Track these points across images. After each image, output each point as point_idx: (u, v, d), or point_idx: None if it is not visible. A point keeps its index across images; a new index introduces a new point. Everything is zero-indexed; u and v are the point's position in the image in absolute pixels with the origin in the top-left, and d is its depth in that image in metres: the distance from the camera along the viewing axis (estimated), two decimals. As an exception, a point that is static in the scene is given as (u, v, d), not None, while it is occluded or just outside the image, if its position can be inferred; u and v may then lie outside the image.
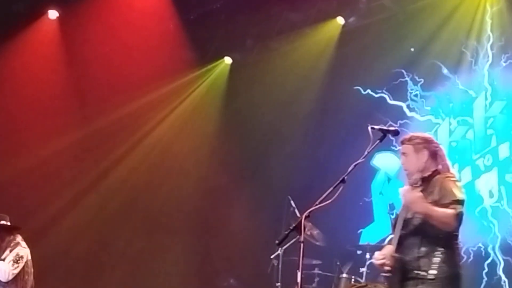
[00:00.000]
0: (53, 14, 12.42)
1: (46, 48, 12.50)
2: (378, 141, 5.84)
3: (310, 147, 12.21)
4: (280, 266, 9.63)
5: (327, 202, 5.83)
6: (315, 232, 10.08)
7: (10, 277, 8.32)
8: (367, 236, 11.82)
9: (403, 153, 6.26)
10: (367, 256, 10.41)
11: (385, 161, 11.97)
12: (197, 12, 12.39)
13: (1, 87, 12.15)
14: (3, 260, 8.39)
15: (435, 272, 5.80)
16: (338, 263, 10.35)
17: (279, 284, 9.72)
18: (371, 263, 10.47)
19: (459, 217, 5.80)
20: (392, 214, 11.68)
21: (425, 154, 6.15)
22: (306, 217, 5.74)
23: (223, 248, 12.48)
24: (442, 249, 5.85)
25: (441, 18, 11.59)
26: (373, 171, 11.98)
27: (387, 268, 5.97)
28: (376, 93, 12.02)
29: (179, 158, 12.85)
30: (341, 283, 9.95)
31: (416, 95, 11.84)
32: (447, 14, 11.58)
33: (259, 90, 12.77)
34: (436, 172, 6.11)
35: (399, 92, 11.89)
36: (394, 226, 6.16)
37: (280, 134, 12.59)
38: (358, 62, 12.06)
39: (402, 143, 6.25)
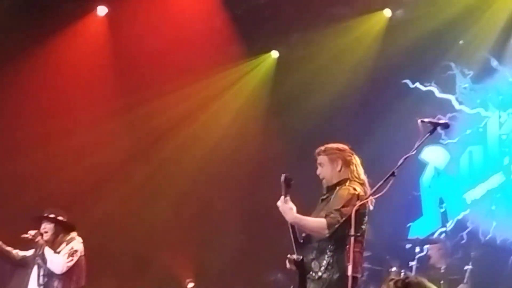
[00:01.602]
0: (102, 10, 12.57)
1: (95, 44, 12.63)
2: (428, 134, 5.81)
3: (358, 141, 12.11)
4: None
5: (377, 195, 5.85)
6: (364, 225, 10.04)
7: (65, 270, 8.44)
8: (416, 230, 11.78)
9: (319, 164, 6.60)
10: (417, 250, 10.38)
11: (434, 155, 11.91)
12: (244, 7, 12.43)
13: (50, 83, 12.31)
14: (58, 253, 8.53)
15: (321, 274, 6.20)
16: (387, 257, 10.31)
17: (328, 277, 9.71)
18: (420, 257, 10.45)
19: (332, 225, 6.13)
20: (442, 208, 11.64)
21: (339, 163, 6.53)
22: (356, 210, 5.78)
23: (271, 241, 12.48)
24: (331, 252, 6.22)
25: (490, 10, 11.47)
26: (422, 165, 11.91)
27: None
28: (425, 86, 11.95)
29: (227, 149, 12.87)
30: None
31: (465, 88, 11.75)
32: (496, 6, 11.44)
33: (305, 84, 12.75)
34: (343, 181, 6.45)
35: (448, 85, 11.81)
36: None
37: (326, 129, 12.53)
38: (406, 55, 11.95)
39: (318, 154, 6.61)
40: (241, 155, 12.89)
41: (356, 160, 6.61)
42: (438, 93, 11.87)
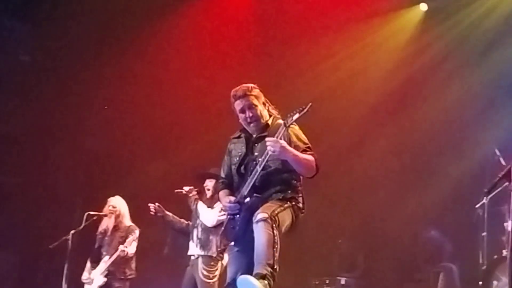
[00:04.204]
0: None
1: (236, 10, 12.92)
2: None
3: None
4: (485, 216, 9.43)
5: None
6: (523, 180, 9.77)
7: (215, 223, 8.73)
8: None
9: (250, 106, 6.30)
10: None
11: None
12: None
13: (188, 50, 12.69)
14: (213, 208, 8.84)
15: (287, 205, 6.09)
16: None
17: (485, 233, 9.54)
18: None
19: (316, 162, 6.08)
20: None
21: (261, 102, 6.34)
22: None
23: (425, 198, 12.33)
24: (297, 188, 6.23)
25: None
26: None
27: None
28: None
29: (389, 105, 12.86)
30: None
31: None
32: None
33: (452, 38, 12.42)
34: (273, 118, 6.33)
35: None
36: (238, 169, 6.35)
37: (476, 83, 12.20)
38: None
39: (244, 96, 6.29)
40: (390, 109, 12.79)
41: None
42: None
